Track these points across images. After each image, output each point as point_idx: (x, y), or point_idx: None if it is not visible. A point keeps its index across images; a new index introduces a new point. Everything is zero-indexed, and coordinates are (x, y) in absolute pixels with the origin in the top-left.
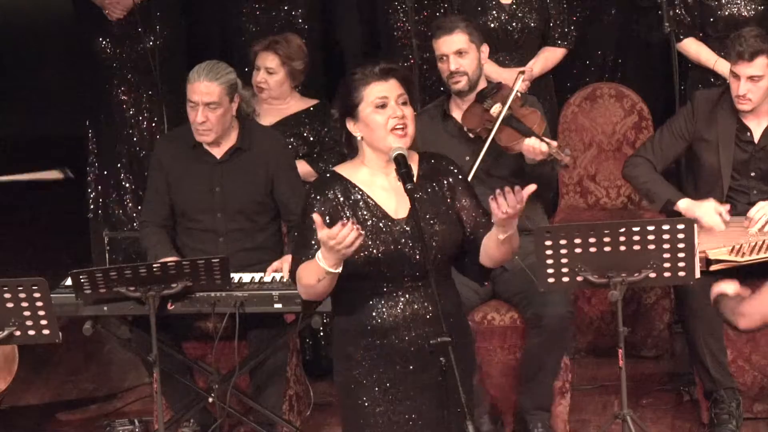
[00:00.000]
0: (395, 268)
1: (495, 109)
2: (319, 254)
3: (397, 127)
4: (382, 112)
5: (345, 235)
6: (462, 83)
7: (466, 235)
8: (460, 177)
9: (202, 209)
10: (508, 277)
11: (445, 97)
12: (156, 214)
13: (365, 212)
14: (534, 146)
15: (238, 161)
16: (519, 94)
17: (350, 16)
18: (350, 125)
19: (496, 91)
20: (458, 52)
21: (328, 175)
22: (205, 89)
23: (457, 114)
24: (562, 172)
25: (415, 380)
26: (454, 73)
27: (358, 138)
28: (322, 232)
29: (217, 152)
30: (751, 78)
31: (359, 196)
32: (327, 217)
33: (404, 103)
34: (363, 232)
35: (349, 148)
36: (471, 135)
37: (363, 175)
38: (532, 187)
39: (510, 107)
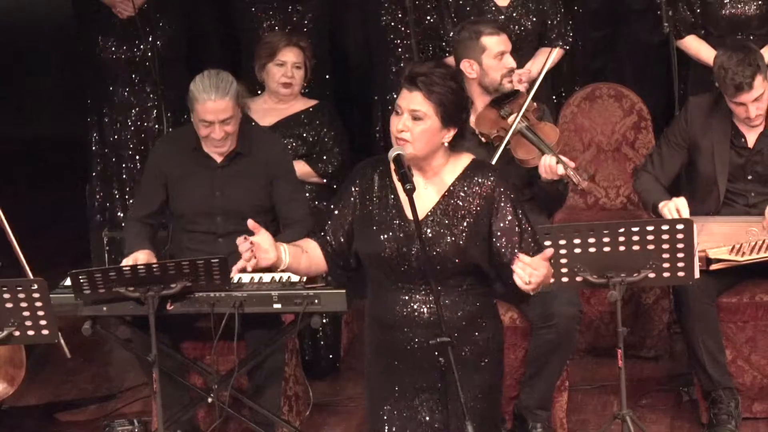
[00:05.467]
0: (399, 266)
1: (511, 117)
2: None
3: (398, 137)
4: (395, 118)
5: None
6: (513, 83)
7: (501, 259)
8: (504, 198)
9: (203, 212)
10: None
11: None
12: (141, 211)
13: (385, 207)
14: (550, 166)
15: (239, 166)
16: (535, 105)
17: (355, 17)
18: None
19: (513, 98)
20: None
21: (381, 158)
22: (219, 107)
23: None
24: None
25: (411, 380)
26: (512, 71)
27: None
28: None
29: (218, 156)
30: (756, 99)
31: (388, 190)
32: (357, 195)
33: (416, 119)
34: (250, 248)
35: None
36: (483, 140)
37: None
38: (549, 252)
39: (526, 118)
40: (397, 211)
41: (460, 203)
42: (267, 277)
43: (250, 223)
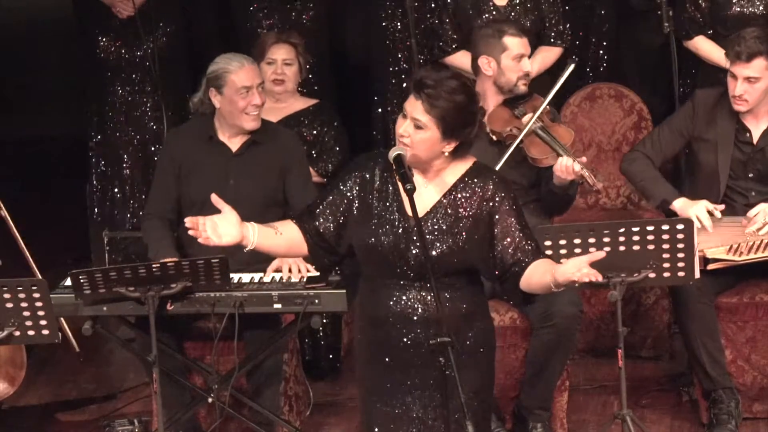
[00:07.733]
0: (393, 263)
1: (526, 117)
2: None
3: (400, 140)
4: (401, 120)
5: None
6: (527, 86)
7: (506, 261)
8: (506, 201)
9: None
10: None
11: None
12: (160, 206)
13: (385, 201)
14: (568, 166)
15: (254, 154)
16: (548, 107)
17: (356, 17)
18: None
19: (526, 99)
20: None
21: (382, 153)
22: (255, 71)
23: None
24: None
25: (403, 377)
26: (527, 75)
27: None
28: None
29: (233, 145)
30: (747, 79)
31: (389, 185)
32: (356, 187)
33: (417, 127)
34: (200, 230)
35: None
36: (494, 138)
37: None
38: (600, 254)
39: (540, 119)
40: (398, 206)
41: (460, 204)
42: (267, 277)
43: (213, 197)
